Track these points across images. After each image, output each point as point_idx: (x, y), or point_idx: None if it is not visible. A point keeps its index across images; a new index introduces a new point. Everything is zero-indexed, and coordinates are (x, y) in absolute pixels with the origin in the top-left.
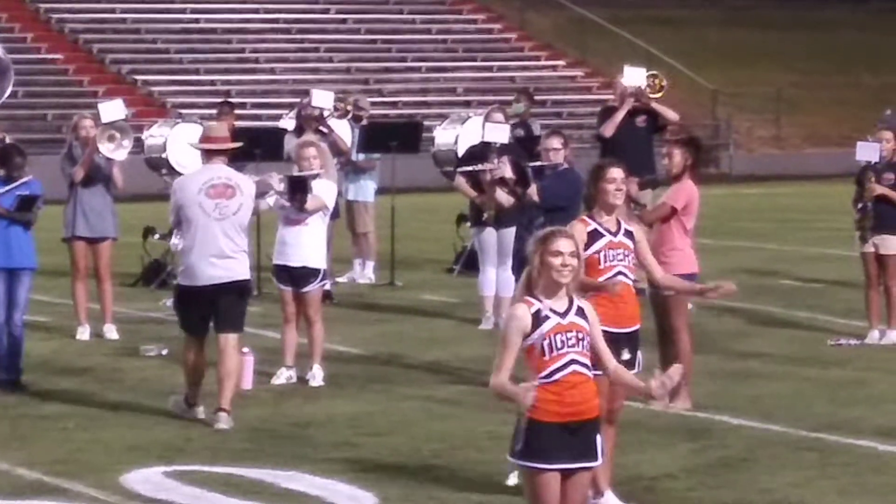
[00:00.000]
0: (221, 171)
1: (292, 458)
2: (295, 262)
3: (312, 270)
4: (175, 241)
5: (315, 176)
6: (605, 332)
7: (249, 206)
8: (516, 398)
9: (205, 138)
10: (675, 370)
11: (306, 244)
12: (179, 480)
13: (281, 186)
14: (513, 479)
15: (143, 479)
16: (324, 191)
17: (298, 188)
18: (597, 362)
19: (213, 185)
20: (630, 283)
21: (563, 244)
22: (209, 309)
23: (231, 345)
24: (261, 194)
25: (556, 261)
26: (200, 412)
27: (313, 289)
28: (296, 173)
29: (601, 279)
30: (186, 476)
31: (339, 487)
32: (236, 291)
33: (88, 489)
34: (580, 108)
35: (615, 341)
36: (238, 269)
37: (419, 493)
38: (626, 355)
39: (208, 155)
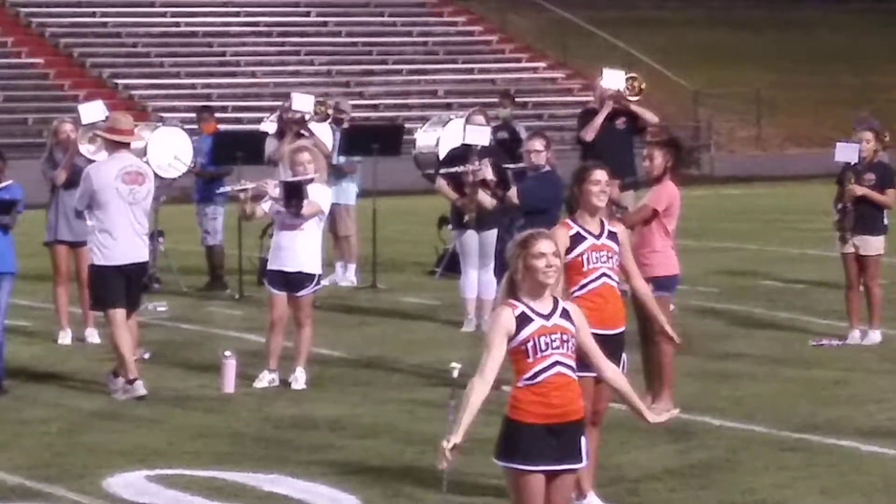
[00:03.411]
0: (132, 160)
1: (274, 460)
2: (291, 267)
3: (308, 275)
4: (91, 223)
5: (310, 181)
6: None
7: (153, 193)
8: (451, 432)
9: (111, 129)
10: (673, 412)
11: (302, 249)
12: (161, 484)
13: (277, 192)
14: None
15: (125, 482)
16: (319, 196)
17: (294, 194)
18: (589, 364)
19: (128, 171)
20: (615, 284)
21: (544, 245)
22: (124, 285)
23: (133, 320)
24: (256, 199)
25: (541, 263)
26: (142, 387)
27: (307, 293)
28: (291, 178)
29: (585, 282)
30: (168, 480)
31: (321, 490)
32: (142, 271)
33: (71, 493)
34: (561, 110)
35: (601, 343)
36: (145, 250)
37: (402, 495)
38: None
39: (115, 145)
